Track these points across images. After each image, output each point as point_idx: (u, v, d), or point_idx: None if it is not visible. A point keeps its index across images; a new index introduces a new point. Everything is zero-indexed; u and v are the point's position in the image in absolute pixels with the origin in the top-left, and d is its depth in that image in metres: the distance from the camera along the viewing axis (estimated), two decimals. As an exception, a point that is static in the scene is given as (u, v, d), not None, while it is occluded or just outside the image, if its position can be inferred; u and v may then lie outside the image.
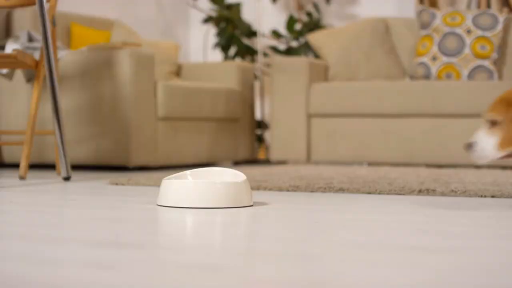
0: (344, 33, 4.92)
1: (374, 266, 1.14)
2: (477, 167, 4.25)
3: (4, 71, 3.96)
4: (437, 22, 4.72)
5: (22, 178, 3.06)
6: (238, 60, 5.45)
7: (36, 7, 3.11)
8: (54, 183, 2.94)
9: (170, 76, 4.85)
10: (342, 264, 1.15)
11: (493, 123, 1.97)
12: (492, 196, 2.34)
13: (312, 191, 2.54)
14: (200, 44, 5.99)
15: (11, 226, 1.62)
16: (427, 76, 4.60)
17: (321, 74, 4.72)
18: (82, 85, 3.92)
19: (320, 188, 2.56)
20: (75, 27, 4.62)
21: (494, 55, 4.65)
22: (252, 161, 4.99)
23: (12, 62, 3.18)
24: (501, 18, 4.68)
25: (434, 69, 4.59)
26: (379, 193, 2.47)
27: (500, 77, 4.71)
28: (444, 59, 4.59)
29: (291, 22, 5.52)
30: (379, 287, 0.99)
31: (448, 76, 4.56)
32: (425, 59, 4.63)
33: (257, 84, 5.49)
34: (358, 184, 2.74)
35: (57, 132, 3.15)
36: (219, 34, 5.56)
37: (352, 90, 4.44)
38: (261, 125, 5.31)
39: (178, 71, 4.99)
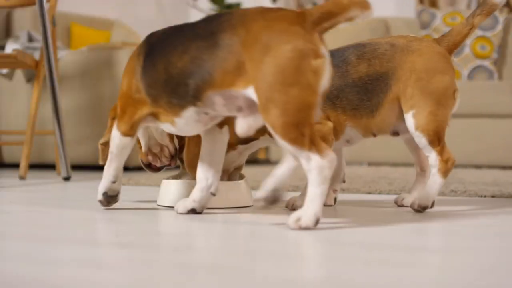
0: (344, 33, 4.92)
1: (374, 266, 1.14)
2: (478, 167, 4.25)
3: (4, 71, 3.96)
4: (437, 22, 4.72)
5: (22, 178, 3.06)
6: (238, 60, 5.45)
7: (36, 7, 3.11)
8: (54, 183, 2.94)
9: (170, 76, 4.85)
10: (342, 264, 1.15)
11: None
12: (492, 196, 2.34)
13: (312, 191, 2.53)
14: (200, 44, 5.99)
15: (11, 226, 1.62)
16: (427, 76, 4.60)
17: (321, 74, 4.72)
18: (82, 85, 3.92)
19: (320, 188, 2.56)
20: (75, 27, 4.62)
21: (494, 55, 4.65)
22: (252, 161, 4.99)
23: (12, 62, 3.18)
24: (501, 18, 4.68)
25: (434, 69, 4.59)
26: (379, 193, 2.47)
27: (500, 77, 4.71)
28: (444, 59, 4.59)
29: (291, 22, 5.52)
30: (379, 287, 0.99)
31: (448, 76, 4.56)
32: (425, 59, 4.63)
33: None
34: (358, 184, 2.74)
35: (57, 132, 3.15)
36: (219, 34, 5.56)
37: (352, 90, 4.44)
38: (261, 125, 5.30)
39: (178, 71, 4.99)
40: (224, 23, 1.60)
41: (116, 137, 1.82)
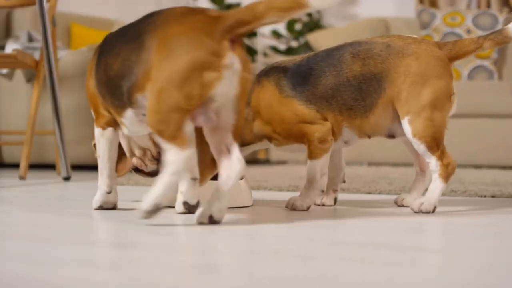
0: (344, 33, 4.92)
1: (374, 266, 1.14)
2: (477, 167, 4.25)
3: (4, 71, 3.96)
4: (437, 22, 4.72)
5: (22, 178, 3.06)
6: (238, 60, 5.44)
7: (36, 7, 3.11)
8: (54, 183, 2.94)
9: (170, 76, 4.85)
10: (342, 264, 1.15)
11: None
12: (492, 196, 2.34)
13: (312, 191, 2.53)
14: (200, 44, 5.98)
15: (11, 226, 1.62)
16: (427, 76, 4.59)
17: (321, 74, 4.72)
18: (82, 85, 3.92)
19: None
20: (75, 27, 4.62)
21: (494, 55, 4.65)
22: (252, 161, 4.99)
23: (12, 62, 3.18)
24: (501, 18, 4.68)
25: (434, 69, 4.59)
26: (379, 193, 2.47)
27: (500, 77, 4.71)
28: (444, 59, 4.59)
29: (291, 22, 5.52)
30: (379, 287, 0.99)
31: (448, 76, 4.55)
32: (425, 59, 4.62)
33: (257, 84, 5.48)
34: (358, 184, 2.74)
35: (57, 132, 3.15)
36: (219, 34, 5.56)
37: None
38: (261, 125, 5.30)
39: (178, 71, 4.99)
40: (150, 24, 1.61)
41: (98, 135, 1.82)
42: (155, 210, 1.53)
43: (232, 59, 1.53)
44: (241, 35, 1.55)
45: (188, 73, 1.51)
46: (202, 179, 1.90)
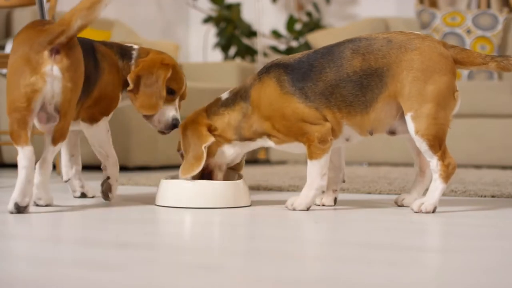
0: (344, 33, 4.92)
1: (374, 266, 1.14)
2: (477, 167, 4.26)
3: (4, 71, 3.96)
4: (437, 22, 4.72)
5: (22, 178, 3.05)
6: (238, 60, 5.45)
7: (36, 7, 3.11)
8: (54, 183, 2.94)
9: (170, 76, 4.85)
10: (342, 264, 1.15)
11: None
12: (492, 196, 2.34)
13: (312, 191, 2.53)
14: (200, 44, 5.99)
15: (12, 226, 1.62)
16: (427, 76, 4.59)
17: (321, 74, 4.71)
18: (82, 85, 3.92)
19: (320, 188, 2.56)
20: (75, 27, 4.62)
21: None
22: (252, 161, 5.00)
23: (12, 62, 3.18)
24: (501, 18, 4.68)
25: (434, 69, 4.58)
26: (379, 193, 2.47)
27: (500, 77, 4.71)
28: (444, 59, 4.58)
29: (291, 22, 5.52)
30: (379, 287, 0.99)
31: (448, 76, 4.54)
32: (425, 59, 4.62)
33: (257, 84, 5.48)
34: (358, 184, 2.74)
35: (57, 132, 3.14)
36: (219, 34, 5.56)
37: (352, 90, 4.43)
38: (261, 125, 5.29)
39: (178, 71, 4.99)
40: None
41: None
42: (17, 209, 1.74)
43: (51, 67, 1.75)
44: (63, 45, 1.77)
45: (14, 77, 1.75)
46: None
